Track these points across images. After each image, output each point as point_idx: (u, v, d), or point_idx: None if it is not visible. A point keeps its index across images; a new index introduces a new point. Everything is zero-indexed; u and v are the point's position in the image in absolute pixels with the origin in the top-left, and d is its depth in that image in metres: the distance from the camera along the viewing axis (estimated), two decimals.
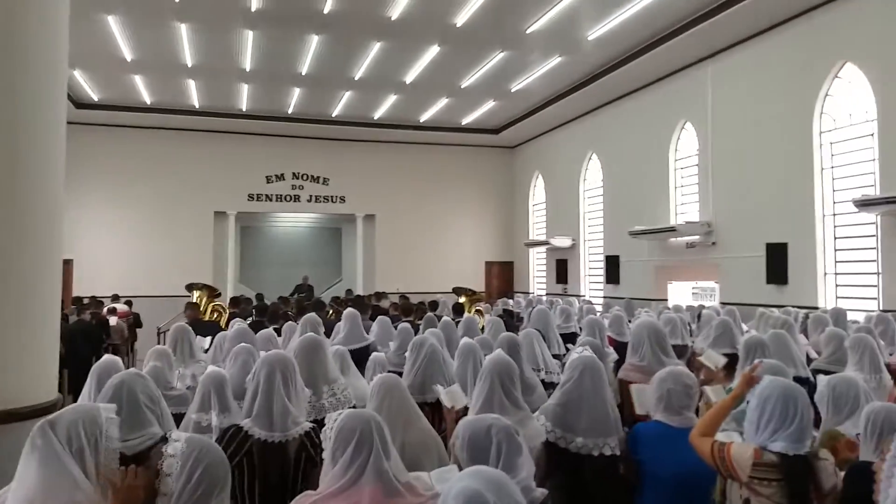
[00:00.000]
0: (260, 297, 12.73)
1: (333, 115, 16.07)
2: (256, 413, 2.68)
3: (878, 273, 8.54)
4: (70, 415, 1.80)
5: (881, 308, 8.08)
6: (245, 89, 14.02)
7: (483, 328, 6.98)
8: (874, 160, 8.57)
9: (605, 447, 2.77)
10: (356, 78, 13.12)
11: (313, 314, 5.80)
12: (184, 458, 1.73)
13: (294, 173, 17.71)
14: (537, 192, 18.39)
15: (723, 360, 4.12)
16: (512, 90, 14.02)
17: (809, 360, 5.13)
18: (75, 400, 3.98)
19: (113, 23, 10.30)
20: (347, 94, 14.39)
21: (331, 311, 9.78)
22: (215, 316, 10.56)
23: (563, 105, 14.63)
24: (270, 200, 17.61)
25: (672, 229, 11.85)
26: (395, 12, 9.97)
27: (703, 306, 9.21)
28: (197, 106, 15.19)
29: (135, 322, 12.20)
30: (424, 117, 16.27)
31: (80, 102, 14.39)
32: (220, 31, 10.81)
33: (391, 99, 14.71)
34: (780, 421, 2.35)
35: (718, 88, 11.18)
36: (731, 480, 2.42)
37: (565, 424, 2.82)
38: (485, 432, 2.04)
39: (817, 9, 9.21)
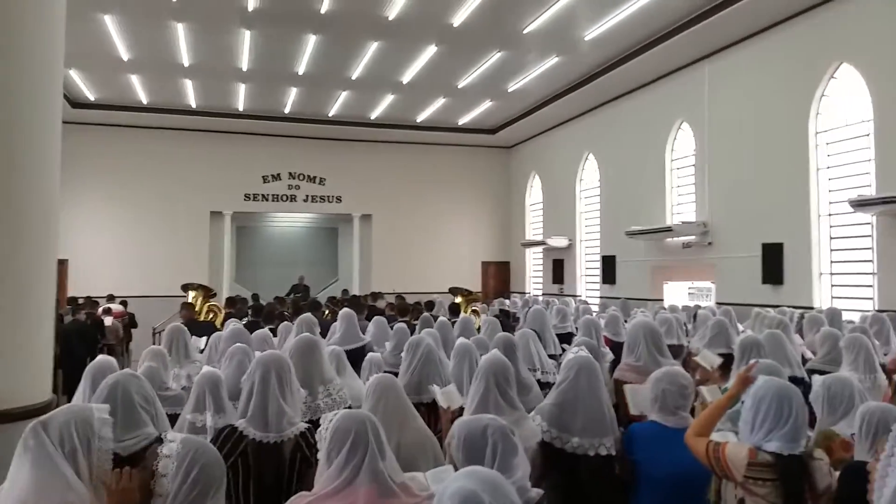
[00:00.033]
0: (256, 297, 12.72)
1: (330, 115, 16.06)
2: (251, 413, 2.67)
3: (873, 273, 8.57)
4: (62, 415, 1.79)
5: (876, 308, 8.10)
6: (242, 89, 14.00)
7: (479, 328, 6.98)
8: (870, 160, 8.59)
9: (600, 447, 2.77)
10: (353, 78, 13.11)
11: (309, 314, 5.80)
12: (179, 458, 1.72)
13: (290, 173, 17.69)
14: (534, 192, 18.40)
15: (718, 361, 4.13)
16: (509, 90, 14.03)
17: (805, 360, 5.14)
18: (70, 400, 3.96)
19: (109, 22, 10.28)
20: (344, 94, 14.37)
21: (327, 312, 9.78)
22: (211, 316, 10.54)
23: (559, 105, 14.64)
24: (267, 200, 17.58)
25: (668, 229, 11.87)
26: (392, 12, 9.96)
27: (699, 306, 9.23)
28: (193, 106, 15.16)
29: (130, 322, 12.17)
30: (421, 117, 16.26)
31: (76, 102, 14.36)
32: (217, 30, 10.79)
33: (388, 99, 14.70)
34: (775, 421, 2.35)
35: (715, 89, 11.20)
36: (726, 480, 2.42)
37: (561, 424, 2.82)
38: (480, 432, 2.04)
39: (813, 9, 9.23)
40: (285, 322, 6.67)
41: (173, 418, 3.17)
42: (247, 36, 10.97)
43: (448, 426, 2.85)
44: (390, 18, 10.16)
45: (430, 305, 9.97)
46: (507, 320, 8.60)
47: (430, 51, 11.66)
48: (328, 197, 18.02)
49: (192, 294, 10.99)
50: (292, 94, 14.32)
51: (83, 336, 9.11)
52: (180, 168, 16.54)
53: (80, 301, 11.70)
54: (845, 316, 7.23)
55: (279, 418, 2.65)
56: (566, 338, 6.44)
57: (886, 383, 4.08)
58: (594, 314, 8.31)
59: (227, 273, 17.41)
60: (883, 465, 1.66)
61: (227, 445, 2.56)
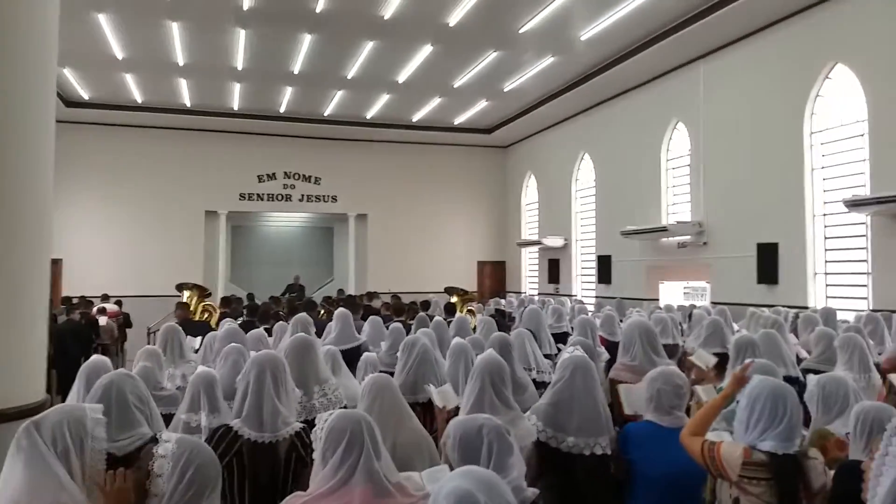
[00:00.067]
0: (251, 296, 12.69)
1: (326, 115, 16.04)
2: (246, 413, 2.66)
3: (867, 273, 8.60)
4: (55, 415, 1.78)
5: (871, 308, 8.13)
6: (237, 88, 13.97)
7: (475, 328, 6.98)
8: (864, 161, 8.63)
9: (596, 447, 2.77)
10: (349, 77, 13.10)
11: (304, 314, 5.78)
12: (175, 458, 1.72)
13: (286, 172, 17.66)
14: (529, 192, 18.42)
15: (713, 360, 4.13)
16: (504, 90, 14.04)
17: (799, 359, 5.15)
18: (64, 400, 3.95)
19: (104, 21, 10.24)
20: (340, 94, 14.36)
21: (322, 311, 9.76)
22: (206, 316, 10.53)
23: (555, 105, 14.65)
24: (262, 200, 17.55)
25: (663, 229, 11.89)
26: (387, 12, 9.95)
27: (694, 306, 9.24)
28: (188, 105, 15.12)
29: (124, 322, 12.15)
30: (417, 117, 16.26)
31: (70, 101, 14.31)
32: (212, 29, 10.76)
33: (384, 98, 14.69)
34: (770, 420, 2.36)
35: (710, 89, 11.23)
36: (721, 480, 2.43)
37: (556, 424, 2.82)
38: (476, 432, 2.04)
39: (808, 10, 9.26)
40: (280, 322, 6.65)
41: (168, 418, 3.16)
42: (242, 35, 10.95)
43: (444, 426, 2.85)
44: (386, 18, 10.16)
45: (425, 305, 9.96)
46: (503, 320, 8.60)
47: (426, 50, 11.66)
48: (323, 196, 17.99)
49: (186, 294, 10.97)
50: (287, 93, 14.30)
51: (78, 336, 9.07)
52: (175, 167, 16.50)
53: (75, 301, 11.66)
54: (840, 315, 7.25)
55: (274, 418, 2.65)
56: (562, 337, 6.44)
57: (881, 383, 4.08)
58: (590, 314, 8.32)
59: (222, 273, 17.38)
60: (877, 464, 1.66)
61: (222, 445, 2.55)
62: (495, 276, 19.26)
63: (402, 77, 13.10)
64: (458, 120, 16.67)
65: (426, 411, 3.48)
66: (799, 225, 9.43)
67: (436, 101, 14.95)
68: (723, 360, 4.26)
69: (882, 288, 8.28)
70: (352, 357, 4.89)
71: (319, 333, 6.00)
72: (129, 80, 13.24)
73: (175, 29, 10.65)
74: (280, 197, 17.67)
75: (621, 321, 7.15)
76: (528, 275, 18.44)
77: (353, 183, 17.97)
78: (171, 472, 1.70)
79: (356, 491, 1.88)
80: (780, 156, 9.77)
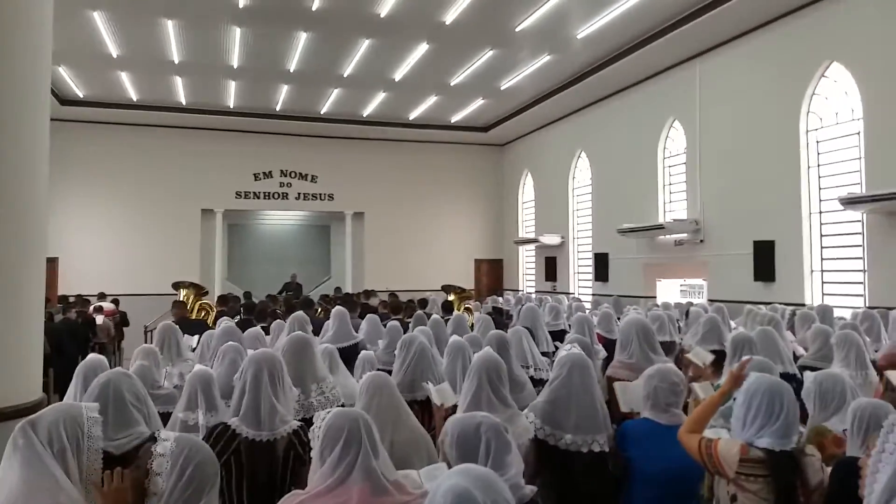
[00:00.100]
0: (248, 295, 12.68)
1: (322, 113, 16.01)
2: (244, 412, 2.66)
3: (863, 270, 8.62)
4: (51, 415, 1.78)
5: (867, 305, 8.15)
6: (232, 86, 13.93)
7: (472, 326, 6.99)
8: (860, 158, 8.65)
9: (593, 444, 2.77)
10: (345, 75, 13.07)
11: (301, 312, 5.78)
12: (174, 457, 1.72)
13: (282, 171, 17.62)
14: (526, 190, 18.42)
15: (710, 357, 4.14)
16: (501, 88, 14.03)
17: (796, 356, 5.16)
18: (62, 399, 3.94)
19: (98, 18, 10.20)
20: (336, 92, 14.33)
21: (319, 310, 9.75)
22: (203, 314, 10.52)
23: (551, 103, 14.65)
24: (258, 198, 17.52)
25: (660, 227, 11.90)
26: (383, 9, 9.94)
27: (691, 303, 9.26)
28: (184, 103, 15.07)
29: (121, 321, 12.11)
30: (413, 115, 16.24)
31: (65, 99, 14.25)
32: (207, 27, 10.73)
33: (380, 96, 14.67)
34: (767, 417, 2.36)
35: (707, 87, 11.24)
36: (719, 477, 2.43)
37: (554, 421, 2.82)
38: (474, 430, 2.04)
39: (804, 9, 9.27)
40: (278, 320, 6.66)
41: (165, 417, 3.16)
42: (237, 33, 10.91)
43: (441, 424, 2.84)
44: (382, 16, 10.14)
45: (423, 303, 9.96)
46: (500, 318, 8.61)
47: (422, 48, 11.64)
48: (320, 195, 17.97)
49: (183, 292, 10.96)
50: (283, 91, 14.26)
51: (74, 335, 9.05)
52: (171, 165, 16.45)
53: (72, 299, 11.63)
54: (836, 312, 7.27)
55: (272, 416, 2.65)
56: (559, 335, 6.45)
57: (877, 379, 4.10)
58: (587, 311, 8.33)
59: (219, 271, 17.35)
60: (874, 460, 1.66)
61: (220, 444, 2.55)
62: (492, 274, 19.27)
63: (399, 75, 13.08)
64: (455, 118, 16.66)
65: (424, 409, 3.48)
66: (795, 222, 9.45)
67: (432, 100, 14.93)
68: (720, 357, 4.27)
69: (878, 285, 8.31)
70: (349, 355, 4.89)
71: (317, 332, 6.00)
72: (125, 77, 13.19)
73: (170, 26, 10.61)
74: (276, 195, 17.63)
75: (618, 319, 7.17)
76: (526, 273, 18.45)
77: (349, 181, 17.95)
78: (170, 471, 1.70)
79: (354, 489, 1.88)
80: (776, 154, 9.79)
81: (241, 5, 9.77)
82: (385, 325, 5.84)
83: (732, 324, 6.92)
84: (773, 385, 2.41)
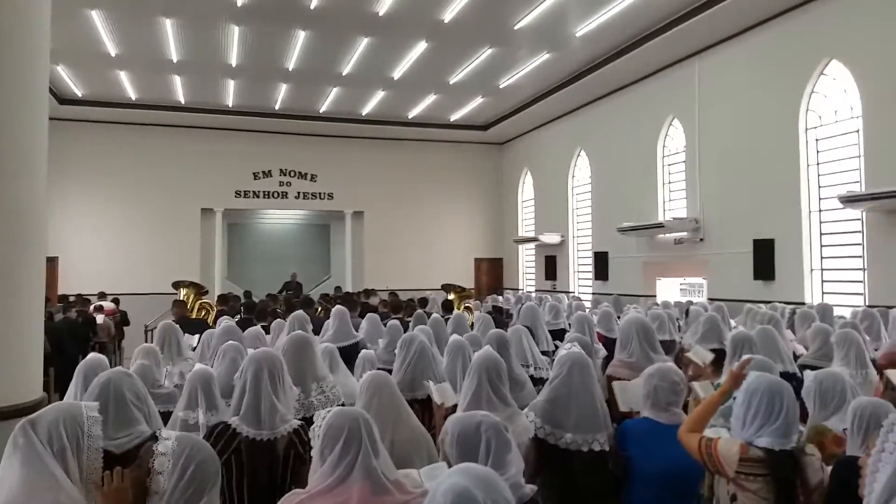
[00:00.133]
0: (248, 294, 12.68)
1: (321, 112, 16.00)
2: (244, 411, 2.66)
3: (863, 269, 8.62)
4: (51, 414, 1.78)
5: (867, 303, 8.15)
6: (231, 85, 13.92)
7: (472, 325, 6.99)
8: (859, 157, 8.64)
9: (594, 443, 2.77)
10: (343, 74, 13.06)
11: (301, 311, 5.78)
12: (175, 456, 1.71)
13: (281, 170, 17.62)
14: (526, 189, 18.41)
15: (710, 356, 4.14)
16: (500, 86, 14.02)
17: (796, 355, 5.16)
18: (62, 398, 3.94)
19: (97, 17, 10.18)
20: (335, 90, 14.32)
21: (319, 309, 9.75)
22: (203, 313, 10.52)
23: (551, 101, 14.64)
24: (258, 197, 17.51)
25: (660, 226, 11.90)
26: (382, 8, 9.93)
27: (691, 302, 9.26)
28: (183, 102, 15.06)
29: (122, 320, 12.11)
30: (412, 113, 16.23)
31: (63, 98, 14.24)
32: (206, 26, 10.72)
33: (379, 95, 14.66)
34: (766, 416, 2.36)
35: (706, 85, 11.23)
36: (719, 476, 2.43)
37: (554, 420, 2.82)
38: (474, 429, 2.04)
39: (803, 6, 9.26)
40: (278, 319, 6.65)
41: (166, 416, 3.16)
42: (236, 31, 10.90)
43: (441, 423, 2.84)
44: (380, 14, 10.13)
45: (423, 302, 9.96)
46: (500, 317, 8.61)
47: (421, 47, 11.63)
48: (320, 194, 17.96)
49: (183, 291, 10.97)
50: (282, 90, 14.25)
51: (75, 334, 9.05)
52: (170, 164, 16.44)
53: (72, 299, 11.63)
54: (836, 311, 7.27)
55: (272, 415, 2.65)
56: (559, 334, 6.45)
57: (877, 378, 4.10)
58: (587, 310, 8.33)
59: (219, 270, 17.35)
60: (874, 460, 1.66)
61: (221, 443, 2.55)
62: (492, 273, 19.27)
63: (398, 73, 13.07)
64: (454, 116, 16.65)
65: (424, 408, 3.48)
66: (795, 221, 9.45)
67: (431, 98, 14.93)
68: (720, 356, 4.27)
69: (877, 283, 8.31)
70: (349, 354, 4.89)
71: (317, 331, 6.00)
72: (123, 76, 13.18)
73: (168, 25, 10.60)
74: (276, 194, 17.63)
75: (618, 318, 7.17)
76: (525, 271, 18.45)
77: (349, 180, 17.94)
78: (171, 470, 1.70)
79: (354, 488, 1.88)
80: (776, 152, 9.79)
81: (239, 4, 9.76)
82: (385, 325, 5.84)
83: (732, 322, 6.93)
84: (772, 384, 2.41)
